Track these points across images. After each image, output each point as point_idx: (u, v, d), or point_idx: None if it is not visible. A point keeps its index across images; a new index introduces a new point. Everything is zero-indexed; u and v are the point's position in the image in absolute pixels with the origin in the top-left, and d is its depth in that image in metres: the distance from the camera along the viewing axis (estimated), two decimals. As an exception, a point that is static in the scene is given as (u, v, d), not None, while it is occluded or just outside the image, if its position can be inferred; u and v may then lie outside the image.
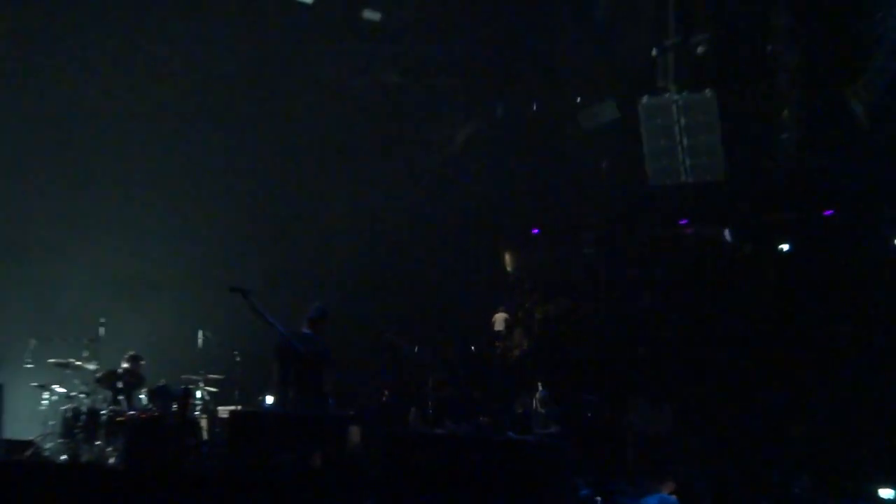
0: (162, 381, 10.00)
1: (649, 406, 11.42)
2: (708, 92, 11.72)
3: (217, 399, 11.07)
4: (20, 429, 10.20)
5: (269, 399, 11.88)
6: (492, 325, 17.34)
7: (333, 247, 15.38)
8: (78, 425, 9.52)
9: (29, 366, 10.17)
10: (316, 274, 14.49)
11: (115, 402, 9.71)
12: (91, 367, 10.17)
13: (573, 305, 16.92)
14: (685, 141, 12.52)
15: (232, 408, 10.30)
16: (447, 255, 16.61)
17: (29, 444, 9.69)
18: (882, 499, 9.75)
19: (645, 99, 12.21)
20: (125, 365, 10.32)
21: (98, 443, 9.36)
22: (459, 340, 16.39)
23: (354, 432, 8.77)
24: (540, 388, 11.06)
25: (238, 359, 10.66)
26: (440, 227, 16.25)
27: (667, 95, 12.00)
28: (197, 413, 10.40)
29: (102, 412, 9.51)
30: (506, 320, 17.45)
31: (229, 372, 10.79)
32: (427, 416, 8.59)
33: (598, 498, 8.82)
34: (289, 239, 15.11)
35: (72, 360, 10.22)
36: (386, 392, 12.92)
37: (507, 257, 19.47)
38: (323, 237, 15.33)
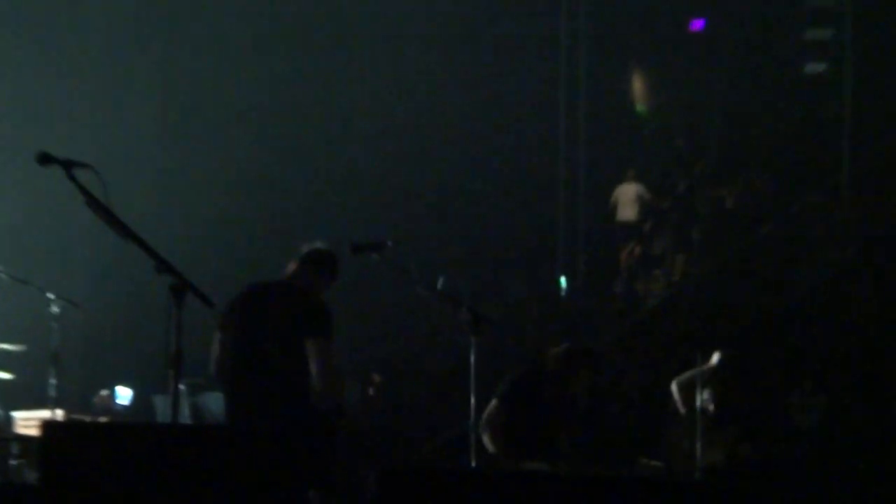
0: None
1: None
2: None
3: (13, 398, 11.53)
4: None
5: (125, 394, 11.76)
6: (612, 207, 16.73)
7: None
8: None
9: None
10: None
11: None
12: None
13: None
14: None
15: (45, 414, 10.60)
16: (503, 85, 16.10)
17: None
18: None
19: None
20: None
21: None
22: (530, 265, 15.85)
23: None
24: (715, 358, 10.82)
25: (55, 310, 10.42)
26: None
27: None
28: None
29: None
30: (641, 198, 16.80)
31: (38, 343, 11.05)
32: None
33: None
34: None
35: None
36: (376, 377, 12.64)
37: (638, 83, 18.86)
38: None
